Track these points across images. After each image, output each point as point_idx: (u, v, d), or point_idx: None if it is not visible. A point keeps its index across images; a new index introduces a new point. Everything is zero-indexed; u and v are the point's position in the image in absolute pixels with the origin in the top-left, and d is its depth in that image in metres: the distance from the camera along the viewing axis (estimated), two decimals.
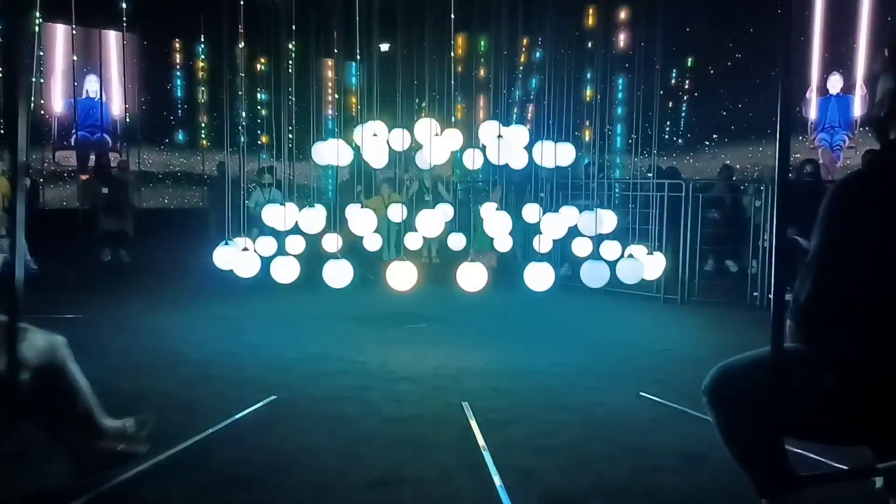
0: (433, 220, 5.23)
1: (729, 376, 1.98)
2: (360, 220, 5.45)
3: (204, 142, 15.97)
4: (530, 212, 5.75)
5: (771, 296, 6.67)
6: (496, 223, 5.47)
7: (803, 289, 1.89)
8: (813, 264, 1.88)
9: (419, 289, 5.15)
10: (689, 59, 12.23)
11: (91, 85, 14.84)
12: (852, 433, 1.90)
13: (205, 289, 7.17)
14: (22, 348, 2.33)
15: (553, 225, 5.48)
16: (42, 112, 14.24)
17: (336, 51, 8.90)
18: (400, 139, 5.64)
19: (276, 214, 5.50)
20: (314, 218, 5.47)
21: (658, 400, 3.87)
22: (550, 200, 7.74)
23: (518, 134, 5.80)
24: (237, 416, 3.45)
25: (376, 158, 5.38)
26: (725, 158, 11.31)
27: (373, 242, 5.96)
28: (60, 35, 14.67)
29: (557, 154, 5.61)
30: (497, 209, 5.77)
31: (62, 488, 2.58)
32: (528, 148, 5.87)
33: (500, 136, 5.39)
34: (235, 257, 5.18)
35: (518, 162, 5.82)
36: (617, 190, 8.80)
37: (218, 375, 4.23)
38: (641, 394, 3.98)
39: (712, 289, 7.60)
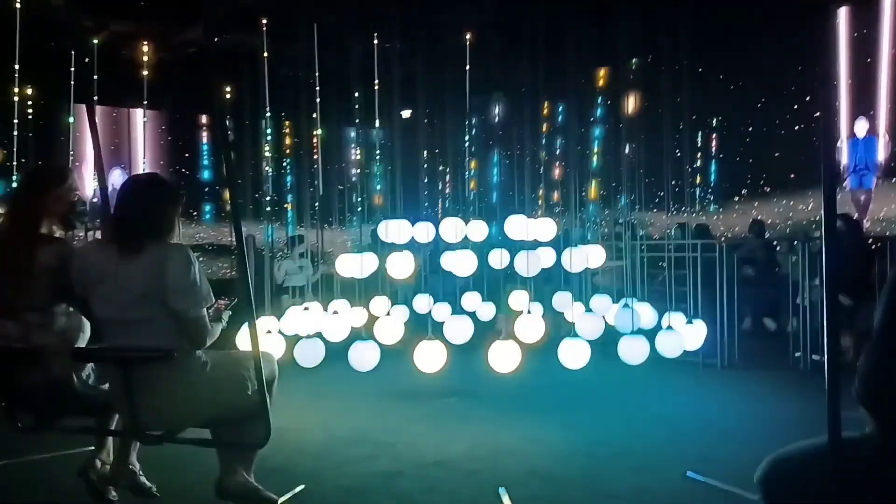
0: None
1: (785, 469, 1.85)
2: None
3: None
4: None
5: (814, 357, 6.42)
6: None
7: (867, 367, 1.76)
8: (877, 345, 1.75)
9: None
10: (714, 119, 12.21)
11: (116, 178, 15.26)
12: None
13: None
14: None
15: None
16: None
17: (357, 120, 9.00)
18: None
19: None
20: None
21: (707, 481, 3.64)
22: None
23: (546, 227, 5.82)
24: None
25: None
26: (755, 214, 11.12)
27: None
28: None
29: (588, 256, 5.62)
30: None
31: None
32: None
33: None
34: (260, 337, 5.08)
35: (546, 262, 5.86)
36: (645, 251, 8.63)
37: None
38: (689, 474, 3.75)
39: (752, 351, 7.30)
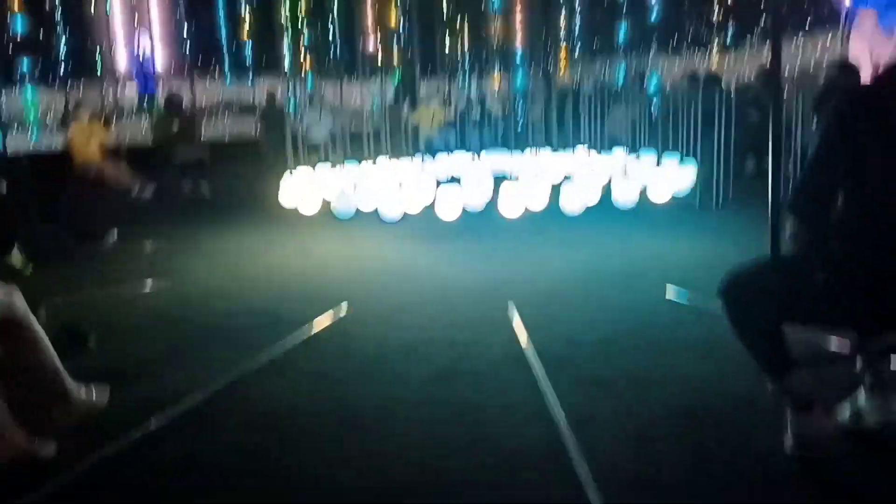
0: None
1: (737, 278, 2.38)
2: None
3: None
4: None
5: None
6: None
7: (799, 180, 2.25)
8: (810, 160, 2.20)
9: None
10: None
11: (143, 40, 15.62)
12: (840, 318, 2.29)
13: (271, 216, 7.71)
14: None
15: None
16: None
17: None
18: None
19: None
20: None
21: (683, 301, 4.32)
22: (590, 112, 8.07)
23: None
24: (316, 328, 4.03)
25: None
26: (767, 57, 11.20)
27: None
28: None
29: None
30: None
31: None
32: None
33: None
34: (300, 196, 5.69)
35: None
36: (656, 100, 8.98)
37: (293, 294, 4.84)
38: (669, 296, 4.43)
39: (748, 192, 7.80)
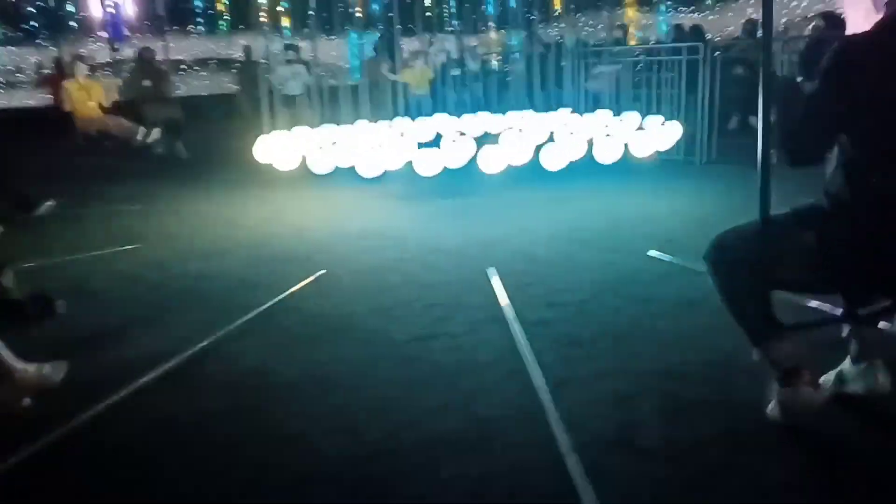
0: None
1: (723, 244, 2.33)
2: None
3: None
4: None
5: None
6: None
7: (793, 127, 2.14)
8: (806, 110, 2.11)
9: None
10: None
11: None
12: (828, 283, 2.25)
13: (248, 175, 7.57)
14: None
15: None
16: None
17: None
18: None
19: None
20: None
21: (664, 258, 4.29)
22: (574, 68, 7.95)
23: None
24: (293, 289, 3.97)
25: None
26: (751, 13, 11.09)
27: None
28: None
29: None
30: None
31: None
32: None
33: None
34: (275, 151, 5.59)
35: None
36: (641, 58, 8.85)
37: (270, 256, 4.76)
38: (650, 253, 4.40)
39: (733, 148, 7.72)
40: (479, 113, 8.00)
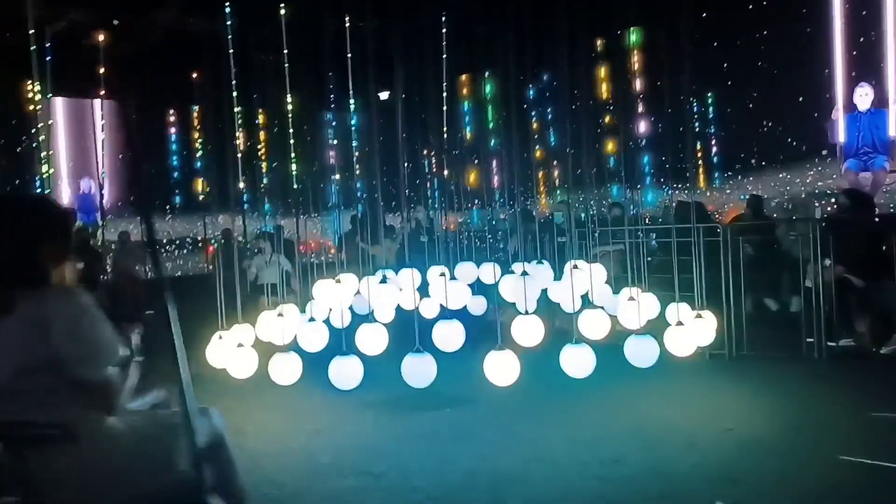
0: None
1: None
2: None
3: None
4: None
5: (828, 344, 6.02)
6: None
7: None
8: None
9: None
10: (709, 95, 11.78)
11: (84, 184, 15.04)
12: None
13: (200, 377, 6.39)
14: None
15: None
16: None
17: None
18: None
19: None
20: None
21: None
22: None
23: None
24: None
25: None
26: (750, 189, 10.68)
27: None
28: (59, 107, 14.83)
29: None
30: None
31: None
32: None
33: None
34: (230, 355, 4.60)
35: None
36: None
37: None
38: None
39: (760, 338, 6.80)
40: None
